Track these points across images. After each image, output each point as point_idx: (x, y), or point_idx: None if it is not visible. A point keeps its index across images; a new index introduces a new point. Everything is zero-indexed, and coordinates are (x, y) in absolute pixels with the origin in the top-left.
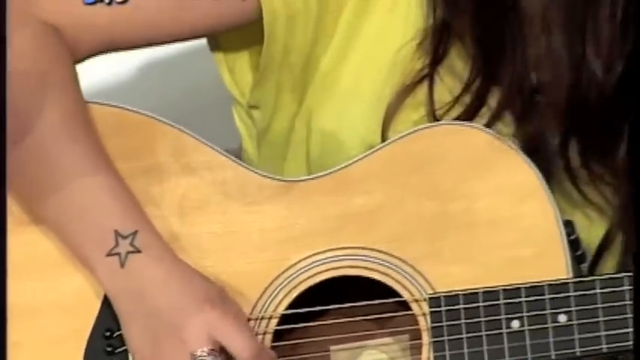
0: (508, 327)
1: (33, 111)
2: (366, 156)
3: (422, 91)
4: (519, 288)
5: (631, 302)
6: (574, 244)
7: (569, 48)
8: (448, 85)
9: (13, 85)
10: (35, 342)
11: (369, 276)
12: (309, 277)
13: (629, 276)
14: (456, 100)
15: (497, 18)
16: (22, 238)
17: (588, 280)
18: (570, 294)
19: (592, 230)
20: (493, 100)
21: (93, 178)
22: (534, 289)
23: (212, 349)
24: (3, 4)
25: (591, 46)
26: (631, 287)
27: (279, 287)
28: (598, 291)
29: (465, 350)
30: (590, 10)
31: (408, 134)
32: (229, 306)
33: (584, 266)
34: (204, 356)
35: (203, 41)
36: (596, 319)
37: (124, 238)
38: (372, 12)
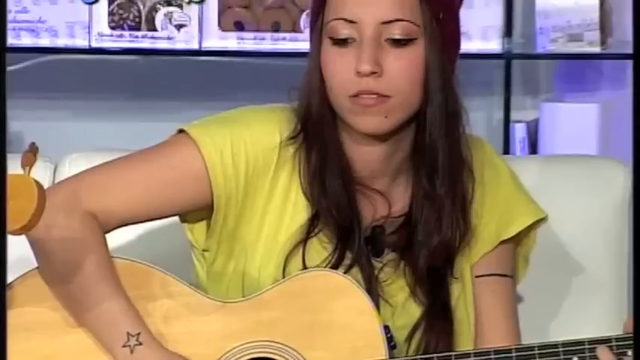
0: None
1: (76, 263)
2: (272, 287)
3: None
4: None
5: None
6: (390, 339)
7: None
8: (317, 248)
9: (65, 250)
10: None
11: (272, 356)
12: (238, 358)
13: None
14: (327, 259)
15: (348, 219)
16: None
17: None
18: None
19: (399, 328)
20: (348, 259)
21: (114, 301)
22: None
23: None
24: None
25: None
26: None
27: None
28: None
29: None
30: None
31: (296, 275)
32: None
33: (395, 352)
34: None
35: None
36: None
37: (132, 336)
38: (272, 202)
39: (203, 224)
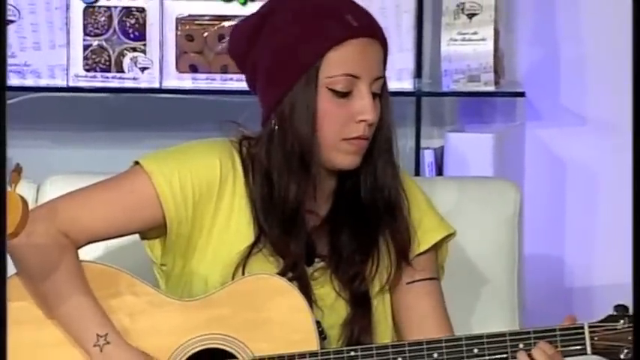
0: None
1: (51, 269)
2: (222, 288)
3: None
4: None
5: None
6: (321, 333)
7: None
8: (261, 261)
9: (41, 257)
10: None
11: (222, 347)
12: (193, 348)
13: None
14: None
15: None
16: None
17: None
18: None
19: (329, 326)
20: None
21: (84, 306)
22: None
23: None
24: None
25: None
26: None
27: (178, 353)
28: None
29: None
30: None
31: (242, 278)
32: None
33: (325, 342)
34: None
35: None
36: None
37: (101, 337)
38: (217, 223)
39: (159, 242)
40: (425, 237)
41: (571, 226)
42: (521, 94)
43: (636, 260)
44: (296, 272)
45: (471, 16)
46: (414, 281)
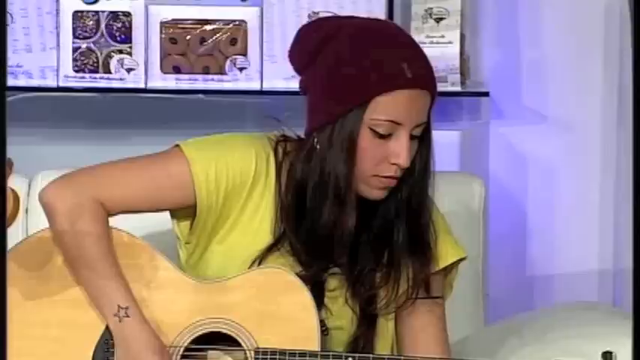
0: None
1: (83, 234)
2: (237, 275)
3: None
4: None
5: None
6: (324, 331)
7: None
8: (279, 260)
9: (75, 226)
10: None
11: (229, 332)
12: (201, 329)
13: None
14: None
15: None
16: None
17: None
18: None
19: (335, 328)
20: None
21: (111, 276)
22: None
23: None
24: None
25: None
26: None
27: (186, 332)
28: None
29: None
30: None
31: (258, 268)
32: (163, 355)
33: (327, 337)
34: None
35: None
36: None
37: (122, 309)
38: (243, 215)
39: (187, 222)
40: (438, 259)
41: (532, 219)
42: (486, 94)
43: (636, 260)
44: (310, 272)
45: (438, 20)
46: (420, 298)
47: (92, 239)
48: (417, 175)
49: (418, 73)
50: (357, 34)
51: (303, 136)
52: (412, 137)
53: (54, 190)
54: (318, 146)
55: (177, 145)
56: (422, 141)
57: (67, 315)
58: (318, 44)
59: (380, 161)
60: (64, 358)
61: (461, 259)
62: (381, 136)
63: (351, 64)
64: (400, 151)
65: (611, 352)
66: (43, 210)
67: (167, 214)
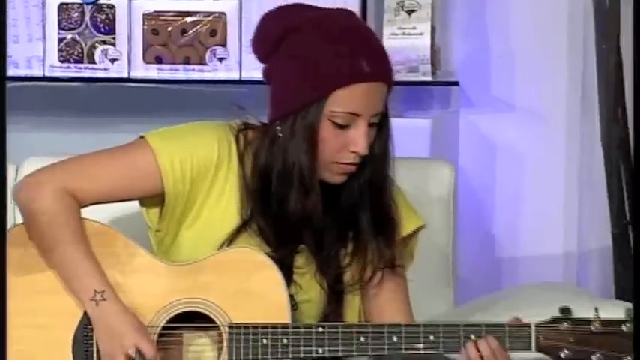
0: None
1: (57, 225)
2: (209, 256)
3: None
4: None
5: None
6: (294, 306)
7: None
8: (247, 240)
9: (46, 212)
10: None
11: (203, 311)
12: (176, 309)
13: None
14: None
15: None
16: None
17: None
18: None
19: (303, 301)
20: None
21: (86, 262)
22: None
23: (137, 351)
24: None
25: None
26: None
27: (162, 313)
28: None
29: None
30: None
31: (229, 249)
32: (143, 331)
33: (296, 312)
34: (132, 355)
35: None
36: None
37: (98, 292)
38: (209, 200)
39: (156, 210)
40: (399, 229)
41: (500, 204)
42: (456, 84)
43: (636, 260)
44: (278, 254)
45: (410, 12)
46: (382, 268)
47: (66, 229)
48: (377, 159)
49: (375, 66)
50: (318, 27)
51: (266, 121)
52: (371, 125)
53: (27, 185)
54: (280, 135)
55: (142, 137)
56: (380, 127)
57: (49, 302)
58: (281, 34)
59: (340, 149)
60: (48, 344)
61: (419, 228)
62: (341, 127)
63: (312, 58)
64: (359, 140)
65: (569, 308)
66: (16, 204)
67: (136, 203)
